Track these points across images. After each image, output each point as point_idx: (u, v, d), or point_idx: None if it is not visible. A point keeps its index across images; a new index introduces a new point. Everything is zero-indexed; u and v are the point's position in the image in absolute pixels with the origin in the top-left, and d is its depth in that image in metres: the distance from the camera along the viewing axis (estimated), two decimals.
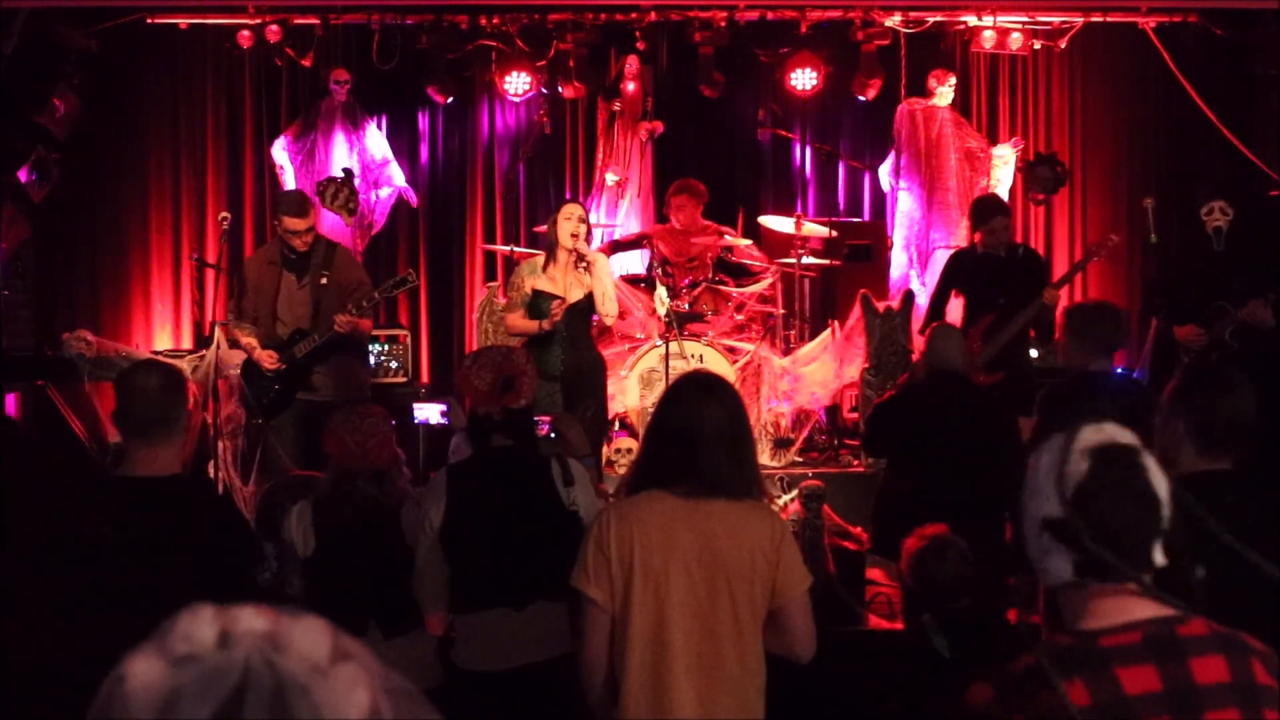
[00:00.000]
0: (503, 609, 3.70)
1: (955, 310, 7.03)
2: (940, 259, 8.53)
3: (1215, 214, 6.61)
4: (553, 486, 3.79)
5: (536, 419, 4.44)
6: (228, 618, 1.12)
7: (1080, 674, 1.76)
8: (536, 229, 8.55)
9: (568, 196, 9.15)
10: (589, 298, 6.20)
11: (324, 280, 6.46)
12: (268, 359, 6.39)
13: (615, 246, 8.33)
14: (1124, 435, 1.88)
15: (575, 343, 6.23)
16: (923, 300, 8.28)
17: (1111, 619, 1.82)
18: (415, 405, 7.59)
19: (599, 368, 6.47)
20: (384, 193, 8.65)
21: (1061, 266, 8.63)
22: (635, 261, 8.51)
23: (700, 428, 2.95)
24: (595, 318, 6.46)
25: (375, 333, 7.84)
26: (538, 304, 6.12)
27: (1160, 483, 1.86)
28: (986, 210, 6.87)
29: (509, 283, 6.39)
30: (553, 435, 4.99)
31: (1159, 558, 1.85)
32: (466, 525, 3.77)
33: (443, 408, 7.53)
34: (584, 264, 6.10)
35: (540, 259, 6.30)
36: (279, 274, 6.50)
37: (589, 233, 6.37)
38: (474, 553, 3.77)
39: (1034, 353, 7.25)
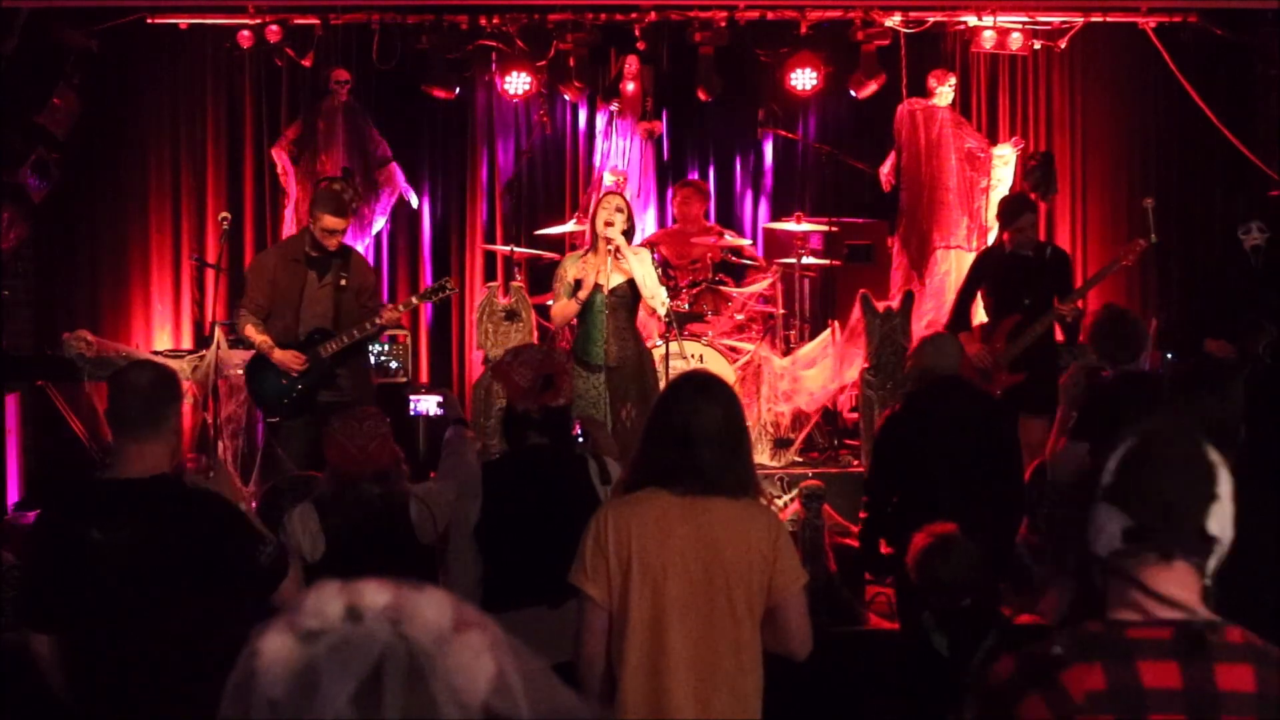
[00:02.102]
0: (537, 607, 3.70)
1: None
2: (940, 259, 8.54)
3: (1253, 233, 6.70)
4: (590, 484, 3.81)
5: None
6: (353, 592, 1.15)
7: (1101, 660, 1.77)
8: (538, 231, 8.56)
9: (568, 196, 9.17)
10: (630, 285, 6.18)
11: (344, 281, 6.46)
12: (294, 360, 6.36)
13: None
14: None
15: (619, 334, 6.20)
16: (923, 300, 8.31)
17: (1147, 614, 1.82)
18: (412, 397, 7.60)
19: (644, 363, 6.42)
20: (384, 193, 8.64)
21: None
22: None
23: (697, 427, 2.96)
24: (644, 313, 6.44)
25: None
26: (578, 288, 6.13)
27: (1214, 454, 1.86)
28: (1014, 208, 6.92)
29: (553, 275, 6.36)
30: (581, 437, 4.99)
31: (1214, 527, 1.83)
32: (503, 522, 3.78)
33: (439, 398, 7.54)
34: (611, 246, 6.07)
35: (582, 249, 6.29)
36: (303, 272, 6.48)
37: (632, 228, 6.32)
38: (510, 550, 3.78)
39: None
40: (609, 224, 6.06)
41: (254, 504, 6.38)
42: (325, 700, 1.09)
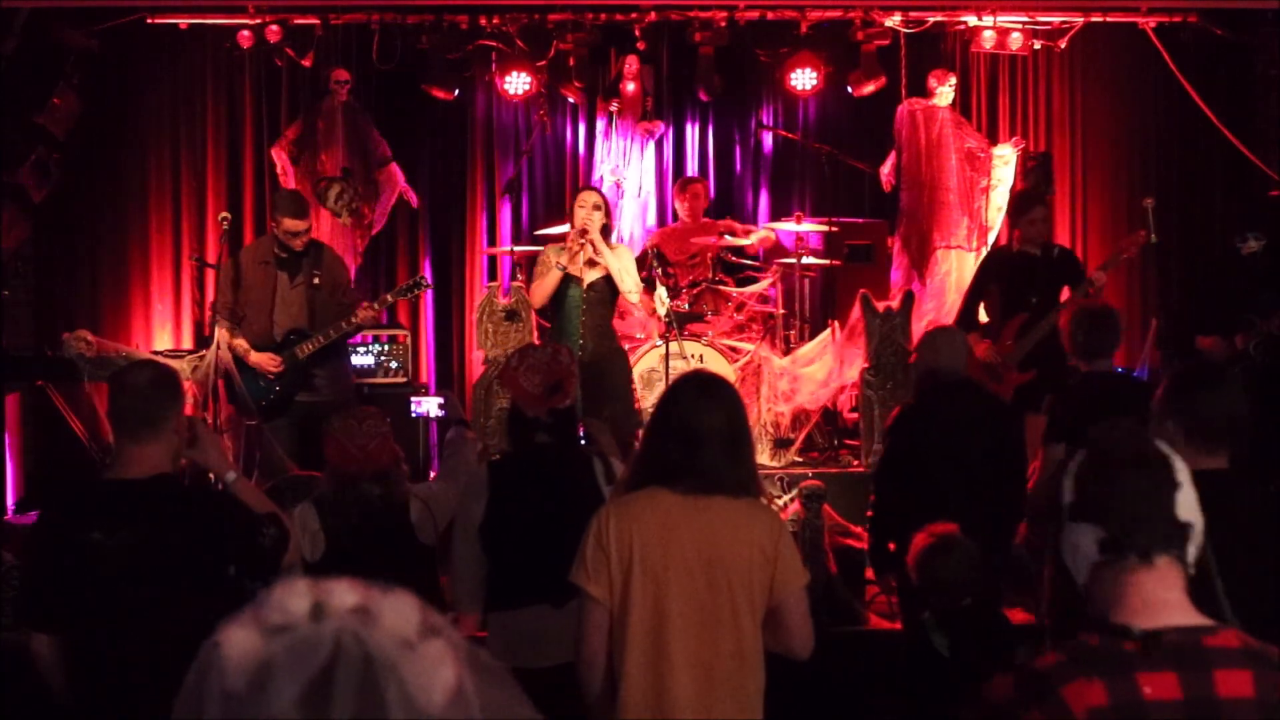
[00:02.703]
0: (540, 606, 3.70)
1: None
2: (941, 259, 8.54)
3: (1250, 243, 6.72)
4: (595, 483, 3.81)
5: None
6: (321, 590, 1.14)
7: (1101, 675, 1.76)
8: (538, 231, 8.56)
9: (568, 196, 9.17)
10: (607, 282, 6.18)
11: (316, 280, 6.47)
12: (269, 362, 6.37)
13: None
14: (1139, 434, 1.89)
15: (595, 332, 6.21)
16: (923, 300, 8.31)
17: (1141, 622, 1.82)
18: (413, 398, 7.60)
19: (620, 362, 6.41)
20: (384, 193, 8.64)
21: None
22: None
23: (699, 426, 2.97)
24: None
25: (375, 332, 7.86)
26: (563, 283, 6.16)
27: (1164, 447, 1.88)
28: (1025, 202, 6.95)
29: (537, 260, 6.38)
30: (584, 440, 4.98)
31: (1184, 513, 1.84)
32: (508, 521, 3.78)
33: (440, 400, 7.55)
34: (583, 239, 6.09)
35: (563, 241, 6.32)
36: (274, 274, 6.49)
37: (609, 225, 6.33)
38: (514, 549, 3.78)
39: None
40: (586, 220, 6.09)
41: None
42: (272, 697, 1.08)
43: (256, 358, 6.39)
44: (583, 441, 4.78)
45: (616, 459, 4.08)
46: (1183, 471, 1.88)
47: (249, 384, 6.49)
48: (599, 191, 6.49)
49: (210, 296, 7.37)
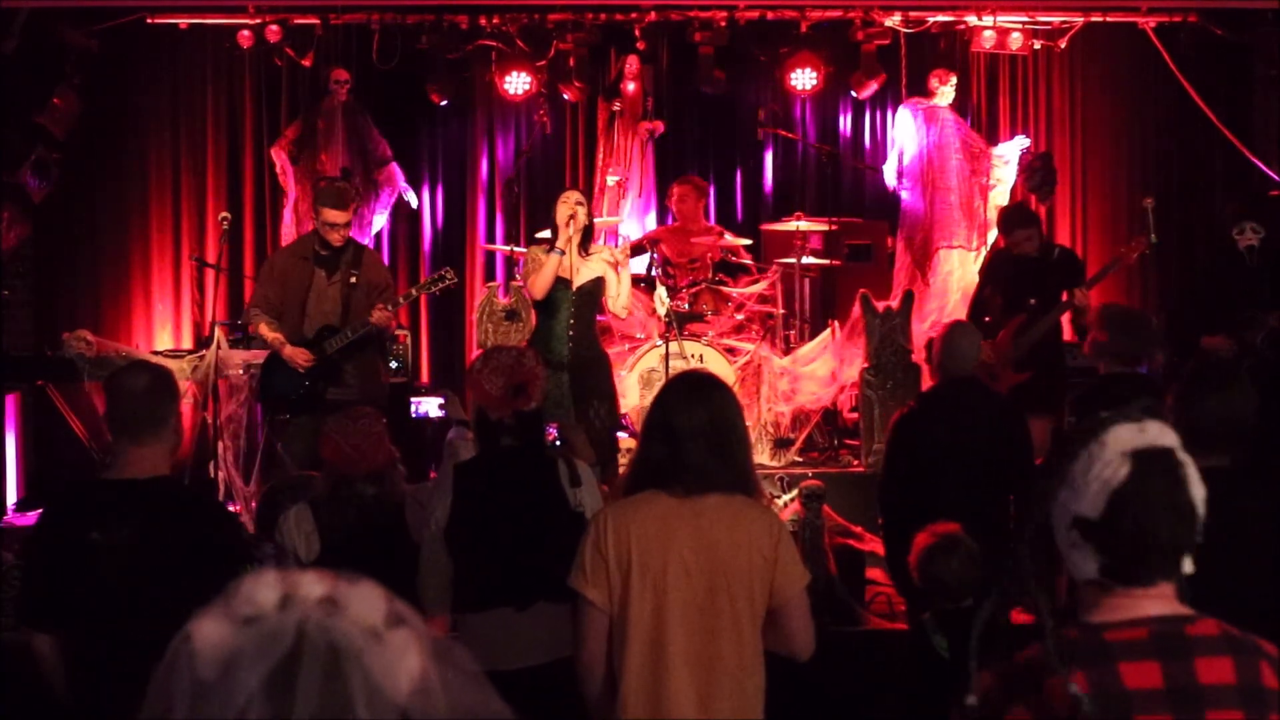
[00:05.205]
0: (505, 609, 3.69)
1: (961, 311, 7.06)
2: (942, 259, 8.55)
3: (1247, 233, 6.68)
4: (559, 486, 3.79)
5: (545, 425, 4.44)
6: (289, 581, 1.16)
7: (1081, 665, 1.76)
8: (539, 234, 8.55)
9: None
10: (596, 282, 6.19)
11: (354, 279, 6.44)
12: (300, 356, 6.35)
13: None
14: (1166, 437, 1.83)
15: (582, 331, 6.20)
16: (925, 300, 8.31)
17: (1121, 615, 1.82)
18: (413, 400, 7.59)
19: (604, 364, 6.43)
20: (384, 192, 8.64)
21: None
22: (637, 263, 8.50)
23: (680, 425, 2.97)
24: (601, 318, 6.48)
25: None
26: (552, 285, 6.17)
27: (1197, 490, 1.82)
28: (1010, 223, 6.94)
29: (528, 258, 6.38)
30: (558, 442, 4.98)
31: (1188, 567, 1.83)
32: (471, 523, 3.77)
33: (440, 400, 7.54)
34: (571, 231, 6.11)
35: (548, 244, 6.33)
36: (310, 269, 6.47)
37: (591, 226, 6.34)
38: (478, 551, 3.77)
39: None
40: (572, 218, 6.08)
41: (254, 503, 6.40)
42: (238, 686, 1.10)
43: (289, 351, 6.35)
44: (557, 442, 4.77)
45: (586, 460, 4.07)
46: (1201, 523, 1.82)
47: (281, 378, 6.45)
48: (581, 191, 6.49)
49: (210, 296, 7.38)
